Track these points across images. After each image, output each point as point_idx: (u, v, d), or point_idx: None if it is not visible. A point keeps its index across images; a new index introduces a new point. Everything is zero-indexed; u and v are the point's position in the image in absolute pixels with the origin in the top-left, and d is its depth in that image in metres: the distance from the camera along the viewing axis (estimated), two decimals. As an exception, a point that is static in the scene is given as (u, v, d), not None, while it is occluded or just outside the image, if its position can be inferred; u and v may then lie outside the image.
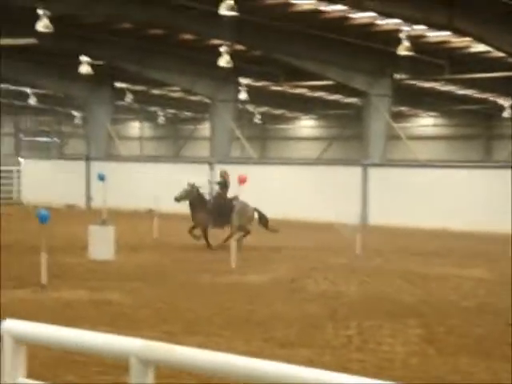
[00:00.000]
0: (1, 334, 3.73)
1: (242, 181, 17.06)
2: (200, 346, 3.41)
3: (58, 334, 3.68)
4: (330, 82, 31.17)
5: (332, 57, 27.85)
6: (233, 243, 16.37)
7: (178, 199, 19.53)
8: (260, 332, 10.27)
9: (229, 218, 18.35)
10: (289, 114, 54.85)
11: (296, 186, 28.08)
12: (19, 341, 3.72)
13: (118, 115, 45.46)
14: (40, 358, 8.39)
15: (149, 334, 9.08)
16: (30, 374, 3.77)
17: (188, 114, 55.31)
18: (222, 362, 3.04)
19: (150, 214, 23.91)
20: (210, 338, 9.79)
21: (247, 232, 19.09)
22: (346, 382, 2.82)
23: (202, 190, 19.90)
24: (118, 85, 38.01)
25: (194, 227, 19.41)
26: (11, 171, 35.44)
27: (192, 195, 19.60)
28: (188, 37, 28.10)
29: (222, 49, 27.59)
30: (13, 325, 3.75)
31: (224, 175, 19.88)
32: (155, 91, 41.98)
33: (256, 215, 19.34)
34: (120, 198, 28.12)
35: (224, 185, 19.71)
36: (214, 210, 19.19)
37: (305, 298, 12.67)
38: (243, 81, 35.01)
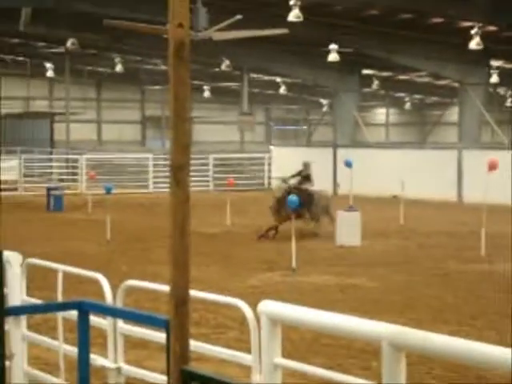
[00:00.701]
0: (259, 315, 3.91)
1: (492, 167, 16.46)
2: (449, 335, 3.36)
3: (311, 316, 3.78)
4: None
5: None
6: (482, 231, 15.83)
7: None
8: (512, 323, 9.90)
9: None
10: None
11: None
12: (275, 321, 3.86)
13: (364, 102, 45.64)
14: (290, 339, 8.68)
15: (396, 320, 9.07)
16: (283, 355, 3.90)
17: (435, 99, 54.25)
18: (476, 351, 2.98)
19: (396, 200, 23.78)
20: (460, 327, 9.59)
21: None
22: None
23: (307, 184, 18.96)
24: (365, 72, 38.11)
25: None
26: (263, 158, 36.78)
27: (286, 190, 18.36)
28: (437, 20, 27.54)
29: (473, 31, 26.73)
30: (269, 306, 3.91)
31: (306, 166, 19.31)
32: (402, 77, 41.61)
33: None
34: (366, 185, 28.20)
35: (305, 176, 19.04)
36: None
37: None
38: (495, 63, 33.69)
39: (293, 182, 19.32)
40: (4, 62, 45.75)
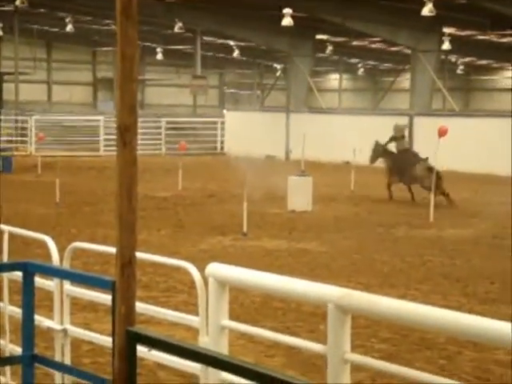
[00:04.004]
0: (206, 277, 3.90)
1: (442, 133, 16.64)
2: (396, 298, 3.39)
3: (259, 279, 3.79)
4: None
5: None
6: (432, 197, 16.06)
7: (371, 162, 20.06)
8: (459, 287, 10.09)
9: (408, 173, 18.40)
10: (494, 65, 52.59)
11: (499, 140, 26.99)
12: (223, 283, 3.86)
13: (318, 67, 45.60)
14: (240, 302, 8.72)
15: (345, 285, 9.16)
16: (231, 318, 3.90)
17: (388, 65, 54.47)
18: (421, 313, 3.01)
19: (348, 166, 23.93)
20: (407, 292, 9.74)
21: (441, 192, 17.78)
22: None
23: (390, 145, 19.74)
24: (319, 37, 38.04)
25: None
26: (216, 122, 36.64)
27: (378, 153, 19.75)
28: (391, -14, 27.55)
29: (426, -3, 26.81)
30: (217, 268, 3.90)
31: (398, 129, 19.83)
32: (355, 43, 41.64)
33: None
34: (318, 150, 28.33)
35: (400, 138, 19.66)
36: (394, 165, 19.01)
37: (507, 256, 12.25)
38: (447, 30, 33.89)
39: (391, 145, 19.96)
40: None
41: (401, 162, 18.82)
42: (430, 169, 17.44)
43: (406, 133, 20.33)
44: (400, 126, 20.34)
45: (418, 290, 9.88)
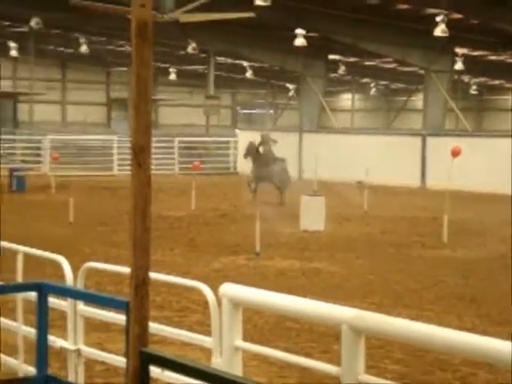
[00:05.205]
0: (220, 297, 3.91)
1: (455, 153, 16.61)
2: (410, 319, 3.38)
3: (273, 300, 3.79)
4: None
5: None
6: (445, 218, 15.99)
7: (244, 157, 23.42)
8: (473, 308, 10.03)
9: (268, 174, 21.85)
10: (507, 85, 52.55)
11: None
12: (236, 304, 3.86)
13: (330, 87, 45.67)
14: (254, 323, 8.71)
15: (358, 305, 9.13)
16: (245, 338, 3.90)
17: (400, 85, 54.53)
18: (435, 334, 3.00)
19: (360, 185, 23.90)
20: (421, 312, 9.69)
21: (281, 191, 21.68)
22: None
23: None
24: (332, 57, 38.14)
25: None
26: (228, 142, 36.71)
27: (250, 151, 22.73)
28: (403, 7, 27.62)
29: (438, 18, 26.86)
30: (230, 288, 3.90)
31: (265, 137, 23.30)
32: (368, 62, 41.72)
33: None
34: (331, 170, 28.33)
35: (265, 144, 22.93)
36: (257, 167, 22.19)
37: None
38: (459, 50, 33.92)
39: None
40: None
41: (261, 162, 22.29)
42: (284, 170, 22.00)
43: (272, 143, 23.57)
44: (267, 135, 23.79)
45: (432, 311, 9.83)
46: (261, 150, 22.97)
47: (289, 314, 3.89)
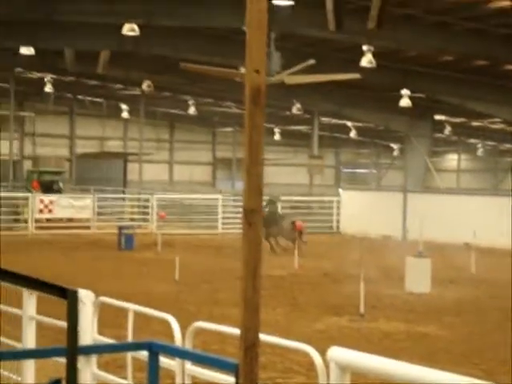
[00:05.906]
0: (328, 362, 3.88)
1: None
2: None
3: (381, 365, 3.73)
4: None
5: None
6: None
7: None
8: None
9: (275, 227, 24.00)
10: None
11: None
12: (344, 368, 3.82)
13: (436, 147, 45.21)
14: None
15: (466, 371, 8.88)
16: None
17: (508, 145, 53.44)
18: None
19: (467, 247, 23.38)
20: (533, 381, 9.32)
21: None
22: None
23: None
24: (438, 117, 37.83)
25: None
26: (331, 201, 36.69)
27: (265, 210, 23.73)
28: (511, 67, 27.25)
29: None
30: (339, 352, 3.87)
31: (272, 198, 26.10)
32: (475, 123, 41.16)
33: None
34: (436, 231, 27.84)
35: (273, 203, 25.88)
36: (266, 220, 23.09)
37: None
38: None
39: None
40: (81, 103, 46.95)
41: (271, 219, 24.02)
42: (293, 224, 23.89)
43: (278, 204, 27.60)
44: (276, 197, 27.20)
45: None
46: (267, 209, 24.75)
47: (396, 380, 3.82)
